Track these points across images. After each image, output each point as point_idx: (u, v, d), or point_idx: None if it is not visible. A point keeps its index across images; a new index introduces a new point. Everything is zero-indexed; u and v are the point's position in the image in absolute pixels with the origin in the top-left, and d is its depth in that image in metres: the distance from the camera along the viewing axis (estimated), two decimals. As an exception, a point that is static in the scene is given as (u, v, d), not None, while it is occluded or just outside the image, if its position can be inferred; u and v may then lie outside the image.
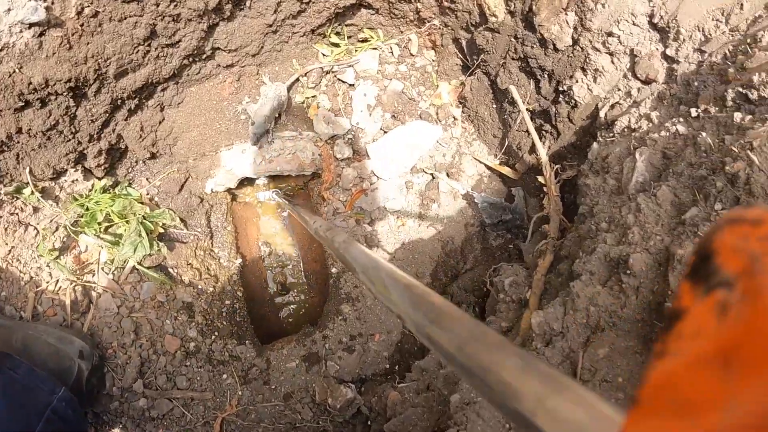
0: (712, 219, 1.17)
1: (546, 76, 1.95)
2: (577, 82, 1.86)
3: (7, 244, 1.91)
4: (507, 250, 2.23)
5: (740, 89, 1.41)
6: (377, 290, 0.74)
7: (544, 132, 2.10)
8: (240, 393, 2.01)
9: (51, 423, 1.47)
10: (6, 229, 1.91)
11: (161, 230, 2.15)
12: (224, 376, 2.03)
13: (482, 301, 2.04)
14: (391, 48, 2.36)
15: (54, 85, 1.70)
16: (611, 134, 1.78)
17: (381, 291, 0.72)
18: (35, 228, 1.97)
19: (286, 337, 2.29)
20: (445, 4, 2.12)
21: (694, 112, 1.50)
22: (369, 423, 1.85)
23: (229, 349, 2.09)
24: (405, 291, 0.64)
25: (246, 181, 2.40)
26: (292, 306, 2.51)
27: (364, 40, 2.35)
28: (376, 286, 0.74)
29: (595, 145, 1.82)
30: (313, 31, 2.21)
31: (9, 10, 1.55)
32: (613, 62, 1.77)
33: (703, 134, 1.38)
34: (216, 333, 2.12)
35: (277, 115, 2.23)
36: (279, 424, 1.97)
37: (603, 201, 1.60)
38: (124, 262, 2.04)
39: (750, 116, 1.34)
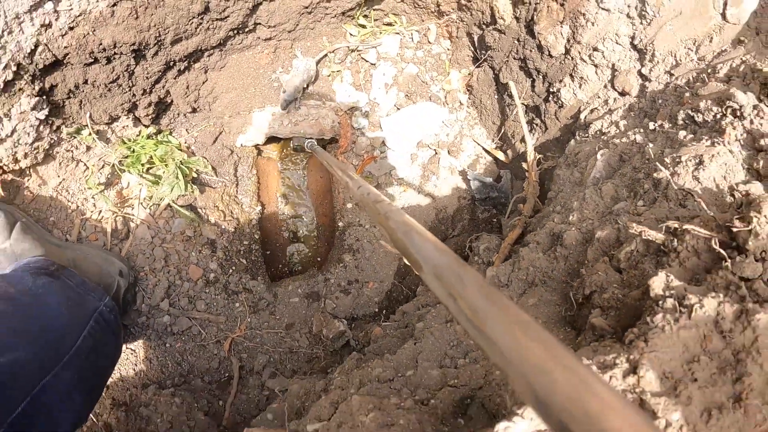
0: (630, 211, 1.54)
1: (540, 77, 2.25)
2: (565, 86, 2.16)
3: (59, 176, 2.20)
4: (491, 223, 2.55)
5: (690, 111, 1.70)
6: (459, 312, 0.56)
7: (534, 125, 2.41)
8: (249, 319, 2.35)
9: (98, 323, 1.80)
10: (60, 164, 2.19)
11: (195, 175, 2.46)
12: (237, 304, 2.37)
13: None
14: (411, 34, 2.67)
15: (120, 47, 1.99)
16: (586, 135, 2.07)
17: (466, 315, 0.54)
18: (85, 164, 2.26)
19: (292, 276, 2.63)
20: (463, 1, 2.43)
21: (651, 125, 1.80)
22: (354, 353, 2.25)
23: (243, 282, 2.42)
24: (515, 330, 0.48)
25: (272, 139, 2.71)
26: (300, 252, 2.84)
27: (389, 24, 2.65)
28: (460, 305, 0.56)
29: (572, 142, 2.12)
30: (343, 13, 2.50)
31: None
32: (596, 73, 2.06)
33: (651, 144, 1.69)
34: (233, 267, 2.45)
35: (305, 86, 2.56)
36: (279, 348, 2.32)
37: (567, 190, 1.94)
38: (161, 199, 2.35)
39: (692, 135, 1.63)
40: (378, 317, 2.42)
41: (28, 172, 2.15)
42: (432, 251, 0.68)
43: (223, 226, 2.51)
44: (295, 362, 2.34)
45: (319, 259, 2.87)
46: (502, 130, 2.57)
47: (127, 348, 2.29)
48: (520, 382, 0.44)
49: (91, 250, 2.13)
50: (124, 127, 2.37)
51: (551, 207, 1.91)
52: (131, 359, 2.29)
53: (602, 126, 2.03)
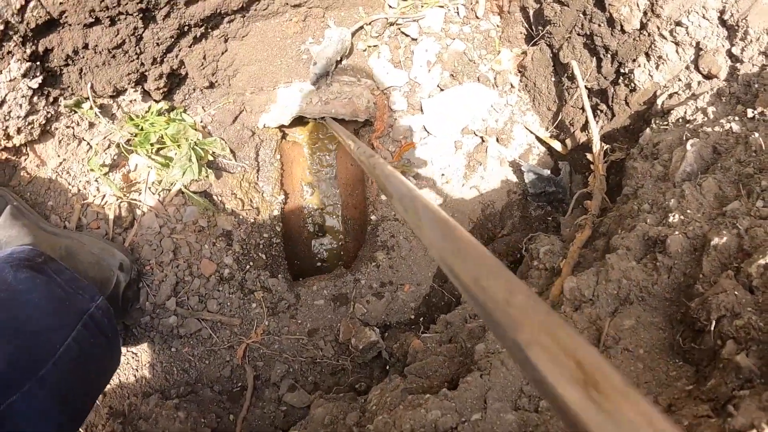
0: (751, 214, 1.25)
1: (609, 56, 2.00)
2: (639, 66, 1.92)
3: (59, 156, 2.00)
4: (545, 222, 2.30)
5: (798, 97, 1.46)
6: (410, 218, 0.81)
7: (599, 111, 2.16)
8: (267, 323, 2.11)
9: (87, 327, 1.53)
10: (60, 142, 1.98)
11: (210, 158, 2.22)
12: (253, 305, 2.12)
13: (513, 266, 2.12)
14: (457, 8, 2.40)
15: (126, 4, 1.74)
16: (665, 122, 1.83)
17: (413, 220, 0.79)
18: (88, 143, 2.04)
19: (317, 276, 2.38)
20: (518, -29, 2.17)
21: (750, 112, 1.56)
22: (387, 368, 1.96)
23: (261, 280, 2.18)
24: (436, 223, 0.71)
25: (298, 122, 2.47)
26: (326, 248, 2.60)
27: (432, -4, 2.40)
28: (409, 215, 0.81)
29: (647, 130, 1.87)
30: (383, -19, 2.25)
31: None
32: (677, 52, 1.81)
33: (756, 134, 1.45)
34: (251, 263, 2.20)
35: (338, 59, 2.29)
36: (300, 357, 2.07)
37: (648, 185, 1.67)
38: (172, 184, 2.12)
39: (803, 124, 1.39)
40: (415, 325, 2.16)
41: (24, 151, 1.95)
42: (401, 186, 0.91)
43: (240, 216, 2.27)
44: (317, 374, 2.09)
45: (345, 255, 2.62)
46: (559, 117, 2.31)
47: (128, 351, 2.05)
48: (436, 254, 0.68)
49: (89, 239, 1.90)
50: (131, 102, 2.14)
51: (634, 205, 1.61)
52: (132, 364, 2.06)
53: (686, 113, 1.79)
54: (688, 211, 1.36)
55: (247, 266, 2.20)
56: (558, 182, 2.25)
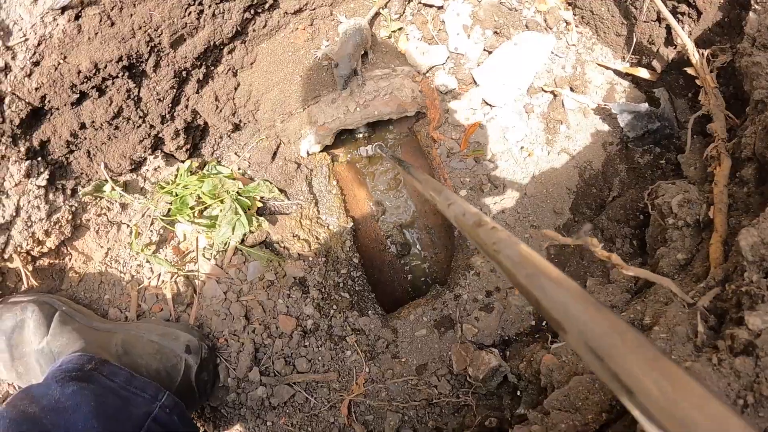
0: None
1: None
2: None
3: (102, 246, 1.77)
4: (659, 167, 1.77)
5: None
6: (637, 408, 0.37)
7: (679, 15, 1.65)
8: (367, 370, 1.72)
9: None
10: (98, 232, 1.76)
11: (260, 204, 1.89)
12: (348, 353, 1.75)
13: (640, 231, 1.61)
14: None
15: (105, 68, 1.51)
16: None
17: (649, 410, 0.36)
18: (128, 225, 1.81)
19: (412, 301, 1.95)
20: None
21: None
22: (519, 393, 1.47)
23: (350, 323, 1.80)
24: None
25: (344, 136, 2.07)
26: (415, 266, 2.17)
27: (445, -43, 1.95)
28: (638, 400, 0.38)
29: (751, 14, 1.41)
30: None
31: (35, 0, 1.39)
32: None
33: None
34: (335, 306, 1.83)
35: (362, 53, 1.88)
36: (413, 401, 1.66)
37: None
38: (225, 244, 1.80)
39: None
40: (539, 333, 1.69)
41: (65, 251, 1.73)
42: (577, 308, 0.42)
43: (310, 259, 1.88)
44: (437, 417, 1.64)
45: (439, 269, 2.15)
46: (634, 40, 1.78)
47: (221, 435, 1.77)
48: None
49: (148, 326, 1.65)
50: (156, 170, 1.86)
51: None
52: (228, 447, 1.76)
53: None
54: None
55: (331, 311, 1.82)
56: (660, 115, 1.71)
